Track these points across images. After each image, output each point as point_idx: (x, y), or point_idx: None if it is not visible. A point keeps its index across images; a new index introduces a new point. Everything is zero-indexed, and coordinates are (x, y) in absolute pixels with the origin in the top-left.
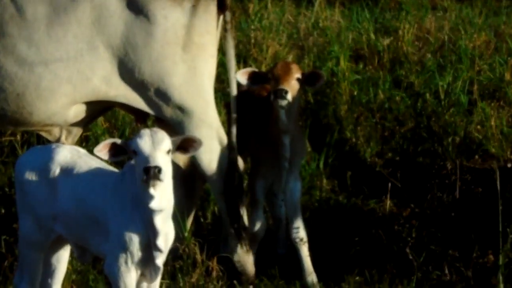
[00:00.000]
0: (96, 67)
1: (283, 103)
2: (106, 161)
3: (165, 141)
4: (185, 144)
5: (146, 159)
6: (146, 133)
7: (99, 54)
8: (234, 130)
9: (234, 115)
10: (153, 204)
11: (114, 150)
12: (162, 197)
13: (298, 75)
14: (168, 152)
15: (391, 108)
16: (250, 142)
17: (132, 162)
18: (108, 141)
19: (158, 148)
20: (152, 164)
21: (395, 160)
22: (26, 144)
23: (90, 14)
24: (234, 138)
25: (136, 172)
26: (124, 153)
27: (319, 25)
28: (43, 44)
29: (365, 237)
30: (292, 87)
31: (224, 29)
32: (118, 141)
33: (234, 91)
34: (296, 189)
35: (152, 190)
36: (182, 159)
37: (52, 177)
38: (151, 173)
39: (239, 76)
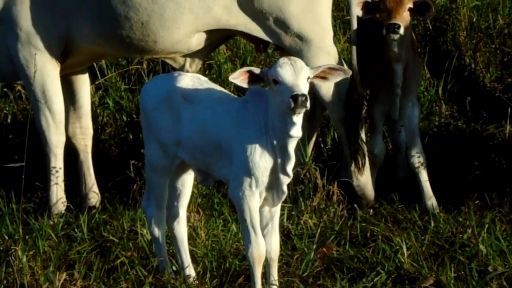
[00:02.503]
0: None
1: (396, 37)
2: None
3: (305, 69)
4: (326, 72)
5: (291, 87)
6: (286, 62)
7: None
8: (354, 57)
9: (354, 45)
10: (294, 132)
11: (250, 78)
12: (299, 124)
13: (410, 5)
14: (308, 80)
15: (511, 33)
16: (369, 70)
17: (262, 88)
18: (245, 68)
19: (300, 76)
20: (300, 92)
21: None
22: (152, 72)
23: None
24: (355, 64)
25: (278, 101)
26: (260, 81)
27: None
28: None
29: (485, 162)
30: (404, 19)
31: None
32: (257, 70)
33: (354, 22)
34: (414, 115)
35: (295, 118)
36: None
37: (175, 104)
38: (299, 101)
39: (354, 7)
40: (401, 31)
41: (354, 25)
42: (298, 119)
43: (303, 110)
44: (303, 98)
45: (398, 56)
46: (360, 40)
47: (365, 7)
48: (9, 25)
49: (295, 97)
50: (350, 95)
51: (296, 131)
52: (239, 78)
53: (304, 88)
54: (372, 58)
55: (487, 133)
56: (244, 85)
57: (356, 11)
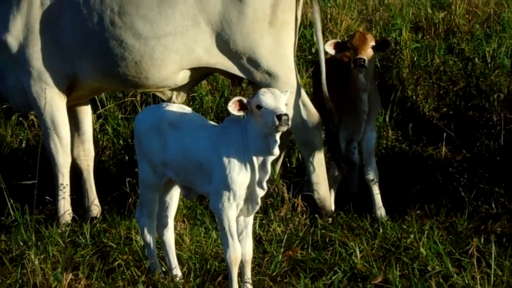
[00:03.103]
0: (198, 40)
1: (362, 69)
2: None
3: (283, 96)
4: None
5: (275, 109)
6: (266, 91)
7: (201, 29)
8: (325, 87)
9: (323, 76)
10: (275, 150)
11: (239, 107)
12: (278, 143)
13: (373, 43)
14: (286, 104)
15: (446, 71)
16: (333, 100)
17: (236, 114)
18: (236, 98)
19: (280, 101)
20: (283, 112)
21: (449, 113)
22: (145, 103)
23: None
24: (326, 93)
25: (261, 123)
26: (245, 109)
27: (384, 2)
28: (156, 21)
29: (424, 178)
30: (368, 54)
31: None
32: (244, 99)
33: (322, 58)
34: (372, 138)
35: (277, 137)
36: None
37: (163, 131)
38: (283, 119)
39: (327, 47)
40: (366, 64)
41: (323, 65)
42: (279, 138)
43: (286, 127)
44: (286, 117)
45: (364, 87)
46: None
47: (336, 46)
48: (23, 65)
49: (279, 116)
50: (328, 116)
51: (276, 150)
52: (232, 106)
53: (284, 110)
54: (337, 91)
55: (426, 154)
56: (235, 112)
57: (329, 50)
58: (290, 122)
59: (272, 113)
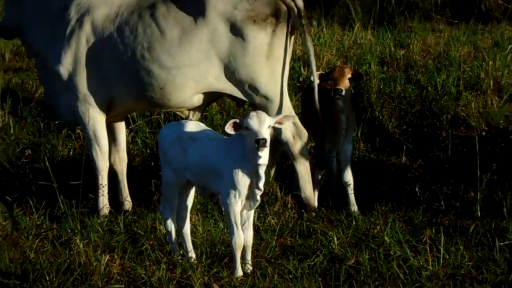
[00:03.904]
0: (210, 70)
1: (339, 97)
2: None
3: (267, 120)
4: (282, 119)
5: (256, 133)
6: (254, 114)
7: (212, 61)
8: (317, 104)
9: (316, 98)
10: (261, 161)
11: (235, 127)
12: (265, 156)
13: (349, 75)
14: (269, 127)
15: (405, 96)
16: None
17: (243, 133)
18: (232, 120)
19: (263, 125)
20: (261, 137)
21: (408, 130)
22: (167, 120)
23: (207, 35)
24: (318, 107)
25: (249, 141)
26: (240, 128)
27: (357, 42)
28: (177, 55)
29: (388, 181)
30: (345, 85)
31: (304, 43)
32: (237, 120)
33: (316, 83)
34: (348, 149)
35: (260, 153)
36: (271, 132)
37: (183, 142)
38: (260, 143)
39: (312, 78)
40: (343, 93)
41: (316, 91)
42: (263, 153)
43: (265, 148)
44: (263, 141)
45: (342, 109)
46: (311, 100)
47: (320, 77)
48: (72, 90)
49: (257, 141)
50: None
51: (262, 161)
52: (229, 127)
53: (265, 134)
54: (321, 112)
55: (390, 162)
56: (232, 132)
57: (316, 79)
58: (268, 145)
59: (254, 136)
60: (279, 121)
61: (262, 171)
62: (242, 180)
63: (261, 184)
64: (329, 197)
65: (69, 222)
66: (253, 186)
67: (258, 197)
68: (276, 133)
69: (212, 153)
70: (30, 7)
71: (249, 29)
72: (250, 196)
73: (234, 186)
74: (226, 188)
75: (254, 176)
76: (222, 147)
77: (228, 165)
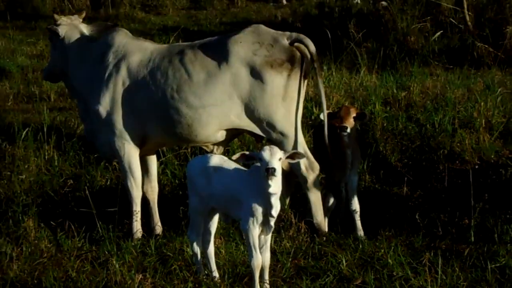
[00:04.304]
0: (232, 109)
1: (345, 134)
2: (238, 164)
3: (278, 153)
4: (293, 155)
5: (267, 163)
6: (267, 148)
7: (234, 101)
8: (326, 139)
9: (326, 135)
10: (270, 190)
11: (245, 158)
12: (275, 185)
13: (354, 114)
14: (280, 159)
15: (406, 133)
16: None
17: (258, 164)
18: (241, 152)
19: (274, 157)
20: (270, 166)
21: (409, 163)
22: (194, 154)
23: (230, 78)
24: (327, 141)
25: (261, 171)
26: (251, 160)
27: (363, 84)
28: (203, 96)
29: (391, 209)
30: (350, 123)
31: (316, 85)
32: (247, 152)
33: (326, 122)
34: (355, 180)
35: (270, 182)
36: (285, 164)
37: (208, 173)
38: (270, 172)
39: (321, 116)
40: (348, 130)
41: (326, 129)
42: (272, 182)
43: (274, 177)
44: (272, 170)
45: (348, 145)
46: (321, 136)
47: (329, 116)
48: (109, 127)
49: (267, 169)
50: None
51: (272, 189)
52: (238, 157)
53: (275, 164)
54: (330, 146)
55: (393, 192)
56: (240, 161)
57: (323, 118)
58: (277, 174)
59: (265, 165)
60: (290, 156)
61: (273, 199)
62: (259, 208)
63: (273, 212)
64: (338, 223)
65: (107, 245)
66: (267, 214)
67: (272, 224)
68: (292, 166)
69: (233, 183)
70: (73, 54)
71: (267, 73)
72: (265, 222)
73: (252, 213)
74: (245, 215)
75: (267, 204)
76: (241, 178)
77: (246, 194)
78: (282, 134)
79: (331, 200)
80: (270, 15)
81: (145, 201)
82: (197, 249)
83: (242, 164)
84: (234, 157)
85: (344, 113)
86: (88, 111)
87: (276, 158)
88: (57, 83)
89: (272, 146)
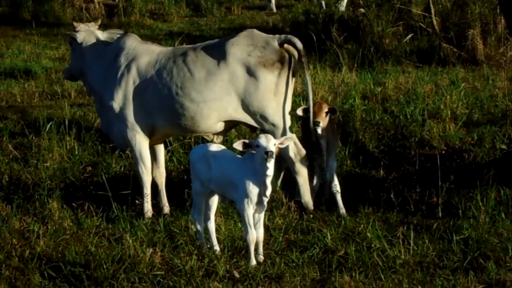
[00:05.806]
0: (230, 103)
1: (318, 128)
2: (235, 152)
3: (272, 140)
4: (283, 141)
5: (265, 147)
6: (262, 136)
7: (232, 96)
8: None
9: (311, 118)
10: (268, 172)
11: (244, 145)
12: (271, 168)
13: (326, 110)
14: (274, 145)
15: (382, 123)
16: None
17: (253, 152)
18: (242, 140)
19: (269, 143)
20: (269, 149)
21: (385, 150)
22: (196, 143)
23: (228, 76)
24: (314, 137)
25: (259, 156)
26: (248, 147)
27: (344, 81)
28: (204, 91)
29: (370, 189)
30: (322, 118)
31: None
32: (246, 141)
33: (311, 114)
34: (333, 165)
35: (268, 164)
36: (275, 151)
37: (208, 160)
38: (269, 154)
39: (299, 111)
40: (321, 124)
41: (311, 120)
42: (270, 164)
43: (272, 159)
44: (271, 153)
45: (321, 136)
46: (307, 127)
47: (304, 110)
48: (122, 120)
49: (266, 152)
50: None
51: (269, 172)
52: (238, 145)
53: (272, 148)
54: (309, 137)
55: (371, 175)
56: (240, 149)
57: (300, 113)
58: (274, 157)
59: (263, 149)
60: (281, 142)
61: (268, 181)
62: (253, 190)
63: (267, 193)
64: (323, 202)
65: (121, 223)
66: (261, 194)
67: (265, 203)
68: (281, 152)
69: (230, 168)
70: (90, 56)
71: (261, 72)
72: (259, 202)
73: (246, 195)
74: (240, 196)
75: (261, 186)
76: (237, 164)
77: (241, 178)
78: (273, 125)
79: (315, 181)
80: (262, 21)
81: (154, 184)
82: (199, 226)
83: (237, 152)
84: (235, 145)
85: (317, 108)
86: (104, 107)
87: (271, 144)
88: (77, 82)
89: (267, 134)
